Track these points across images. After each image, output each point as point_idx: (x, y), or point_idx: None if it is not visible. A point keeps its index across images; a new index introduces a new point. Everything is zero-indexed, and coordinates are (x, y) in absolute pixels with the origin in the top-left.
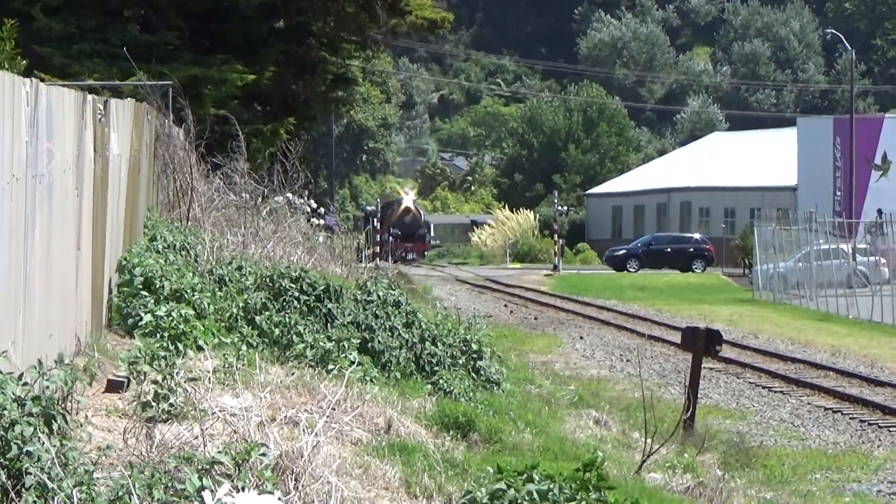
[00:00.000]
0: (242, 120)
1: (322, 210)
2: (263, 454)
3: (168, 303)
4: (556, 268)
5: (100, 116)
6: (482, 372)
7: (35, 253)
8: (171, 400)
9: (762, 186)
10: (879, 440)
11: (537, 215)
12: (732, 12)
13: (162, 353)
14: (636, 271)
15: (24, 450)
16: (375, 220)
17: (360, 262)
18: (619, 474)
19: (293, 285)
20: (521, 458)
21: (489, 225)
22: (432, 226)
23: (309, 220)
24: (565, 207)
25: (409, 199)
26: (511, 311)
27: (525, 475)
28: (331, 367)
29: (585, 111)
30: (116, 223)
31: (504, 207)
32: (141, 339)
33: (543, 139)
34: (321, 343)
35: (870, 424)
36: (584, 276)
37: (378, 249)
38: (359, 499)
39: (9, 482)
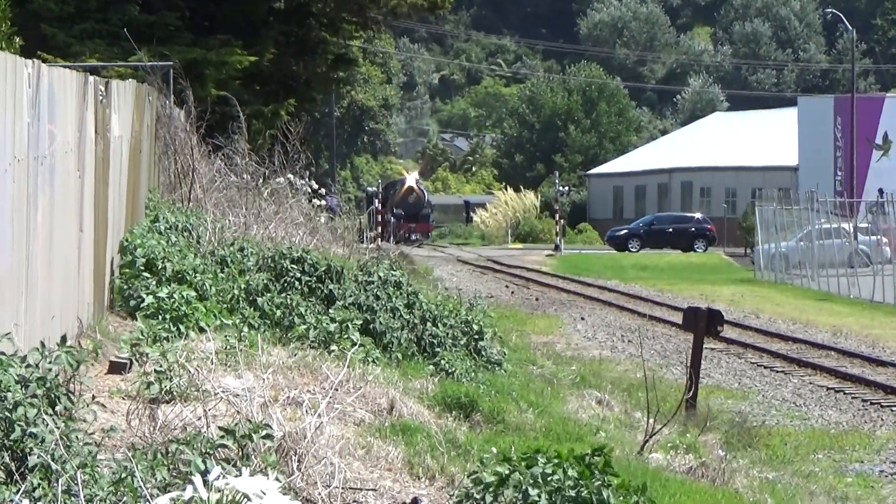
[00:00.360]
0: (243, 101)
1: (323, 191)
2: (267, 436)
3: (170, 284)
4: (557, 248)
5: (101, 98)
6: (483, 352)
7: (37, 234)
8: (174, 381)
9: (763, 166)
10: (882, 420)
11: (539, 196)
12: None
13: (164, 335)
14: (638, 251)
15: (28, 431)
16: (377, 200)
17: (362, 242)
18: (621, 454)
19: (295, 266)
20: (523, 438)
21: (492, 206)
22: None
23: (310, 201)
24: (566, 188)
25: (412, 178)
26: (512, 292)
27: (529, 458)
28: (333, 347)
29: (585, 91)
30: (118, 204)
31: (506, 188)
32: (143, 321)
33: (544, 118)
34: (323, 324)
35: (872, 404)
36: (585, 256)
37: (380, 230)
38: (361, 479)
39: (13, 464)
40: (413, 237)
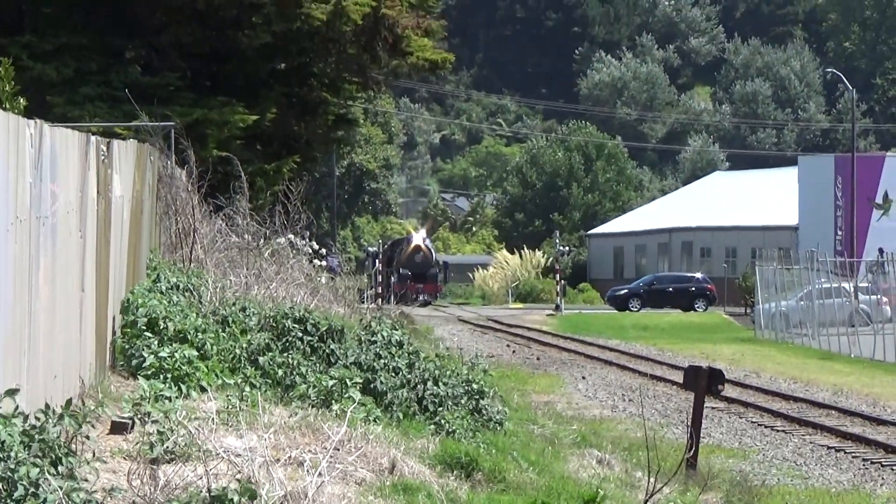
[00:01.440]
0: (245, 160)
1: (324, 251)
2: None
3: (171, 344)
4: (558, 308)
5: (103, 157)
6: (484, 412)
7: (39, 294)
8: (176, 441)
9: (763, 226)
10: (882, 479)
11: (546, 256)
12: (733, 52)
13: (166, 395)
14: (638, 311)
15: (31, 491)
16: (378, 260)
17: (363, 302)
18: None
19: (297, 325)
20: (524, 497)
21: (493, 266)
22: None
23: (311, 262)
24: (567, 248)
25: (419, 236)
26: (513, 351)
27: None
28: (334, 407)
29: (583, 150)
30: (120, 264)
31: (503, 248)
32: (144, 381)
33: (545, 177)
34: (324, 382)
35: (872, 463)
36: (586, 316)
37: (381, 290)
38: None
39: None
40: (421, 297)
